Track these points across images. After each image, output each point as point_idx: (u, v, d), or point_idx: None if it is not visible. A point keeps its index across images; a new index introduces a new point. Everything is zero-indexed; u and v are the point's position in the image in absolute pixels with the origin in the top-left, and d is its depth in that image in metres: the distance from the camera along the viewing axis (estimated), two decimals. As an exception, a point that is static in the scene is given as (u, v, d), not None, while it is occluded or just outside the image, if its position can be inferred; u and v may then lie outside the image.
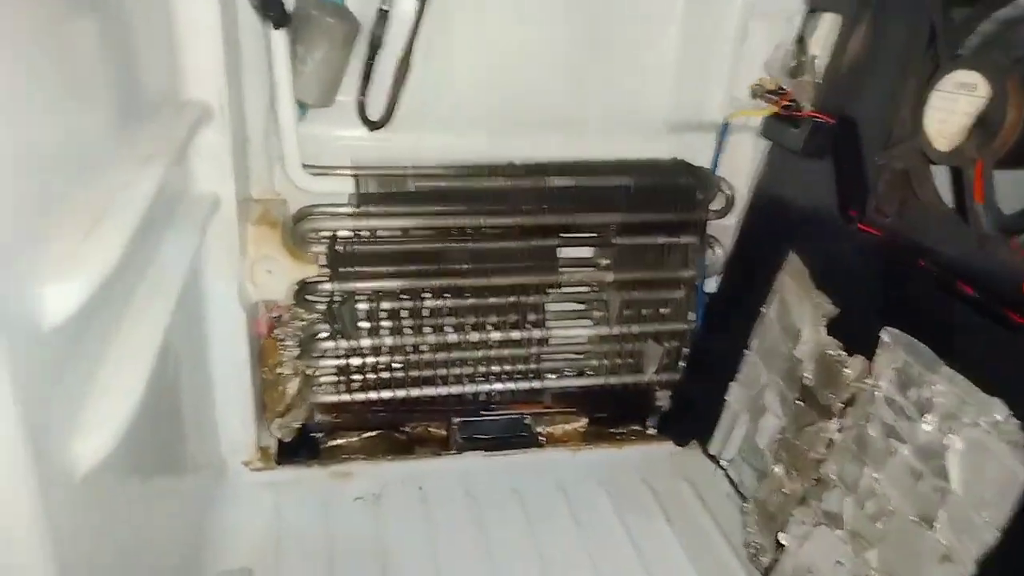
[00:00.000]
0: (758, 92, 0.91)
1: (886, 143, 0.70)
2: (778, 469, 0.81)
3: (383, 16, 0.89)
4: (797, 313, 0.81)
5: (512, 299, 1.02)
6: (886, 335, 0.67)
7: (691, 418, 1.03)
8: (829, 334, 0.76)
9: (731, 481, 0.91)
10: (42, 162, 0.42)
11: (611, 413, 1.16)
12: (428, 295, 1.00)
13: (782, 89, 0.85)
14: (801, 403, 0.78)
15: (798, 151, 0.81)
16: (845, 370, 0.72)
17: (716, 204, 1.03)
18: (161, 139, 0.63)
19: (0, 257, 0.35)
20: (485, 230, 0.98)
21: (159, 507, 0.65)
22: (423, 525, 0.87)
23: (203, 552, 0.78)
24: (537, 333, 1.04)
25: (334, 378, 1.02)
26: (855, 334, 0.73)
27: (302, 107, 0.90)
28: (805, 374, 0.78)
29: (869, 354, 0.70)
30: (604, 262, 1.07)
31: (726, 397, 0.92)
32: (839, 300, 0.75)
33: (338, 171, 0.94)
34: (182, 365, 0.75)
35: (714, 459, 0.95)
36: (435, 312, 1.01)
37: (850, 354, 0.72)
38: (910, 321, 0.66)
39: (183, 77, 0.74)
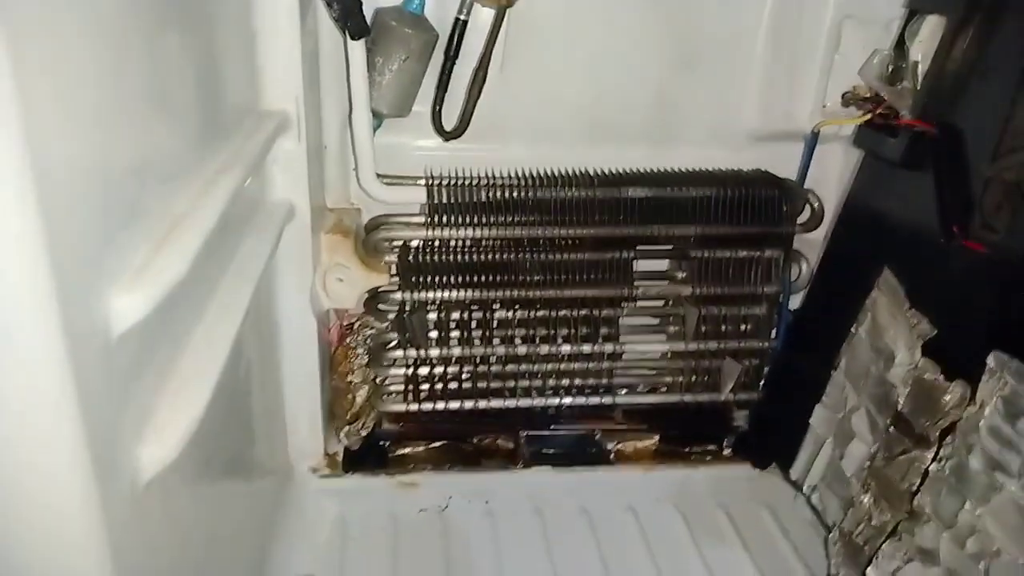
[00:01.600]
0: (851, 100, 0.87)
1: (995, 153, 0.64)
2: (866, 499, 0.75)
3: (461, 26, 0.89)
4: (891, 334, 0.76)
5: (584, 312, 0.99)
6: (992, 360, 0.62)
7: (771, 440, 0.98)
8: (925, 357, 0.70)
9: (814, 509, 0.86)
10: (123, 174, 0.42)
11: (685, 432, 1.11)
12: (498, 306, 0.98)
13: (878, 97, 0.80)
14: (893, 430, 0.73)
15: (896, 162, 0.76)
16: (944, 396, 0.67)
17: (803, 217, 0.98)
18: (239, 150, 0.64)
19: (74, 270, 0.35)
20: (558, 241, 0.96)
21: (225, 512, 0.66)
22: (488, 540, 0.86)
23: (269, 558, 0.79)
24: (609, 347, 1.01)
25: (402, 387, 1.01)
26: (955, 358, 0.67)
27: (378, 117, 0.90)
28: (899, 399, 0.73)
29: (971, 380, 0.64)
30: (681, 275, 1.04)
31: (810, 420, 0.87)
32: (937, 321, 0.70)
33: (411, 181, 0.94)
34: (253, 370, 0.76)
35: (796, 485, 0.90)
36: (504, 323, 0.99)
37: (949, 379, 0.67)
38: (1020, 345, 0.60)
39: (263, 88, 0.75)
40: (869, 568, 0.72)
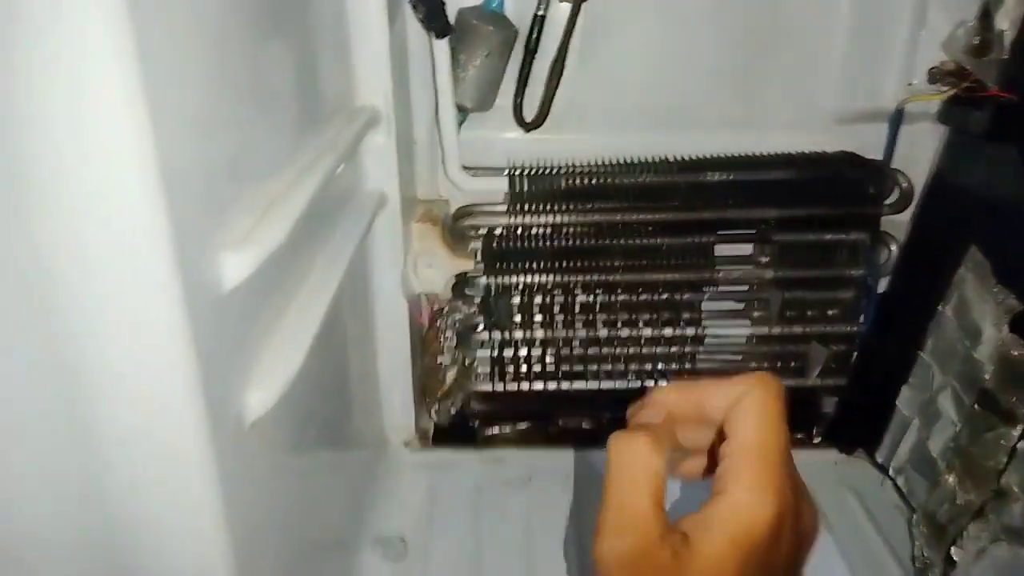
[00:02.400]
0: (938, 76, 0.85)
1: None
2: (951, 479, 0.74)
3: (540, 21, 0.93)
4: (978, 311, 0.74)
5: (665, 296, 1.01)
6: (1079, 332, 0.60)
7: (858, 425, 0.96)
8: (1013, 333, 0.69)
9: (900, 491, 0.85)
10: (231, 160, 0.49)
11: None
12: (579, 291, 1.02)
13: (964, 70, 0.78)
14: (978, 407, 0.71)
15: (981, 134, 0.74)
16: (1030, 371, 0.65)
17: (891, 199, 0.96)
18: (333, 141, 0.70)
19: (191, 232, 0.41)
20: (638, 227, 0.98)
21: (325, 470, 0.72)
22: (568, 510, 0.89)
23: (363, 518, 0.85)
24: (691, 331, 1.02)
25: (489, 368, 1.06)
26: (1043, 332, 0.65)
27: (463, 111, 0.96)
28: (985, 376, 0.71)
29: (1060, 354, 0.63)
30: (764, 259, 1.03)
31: (896, 402, 0.85)
32: (1025, 295, 0.68)
33: (495, 172, 0.98)
34: (350, 345, 0.83)
35: (882, 468, 0.88)
36: (586, 307, 1.02)
37: (1037, 354, 0.65)
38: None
39: (355, 85, 0.82)
40: (953, 548, 0.71)
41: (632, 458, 0.34)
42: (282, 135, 0.60)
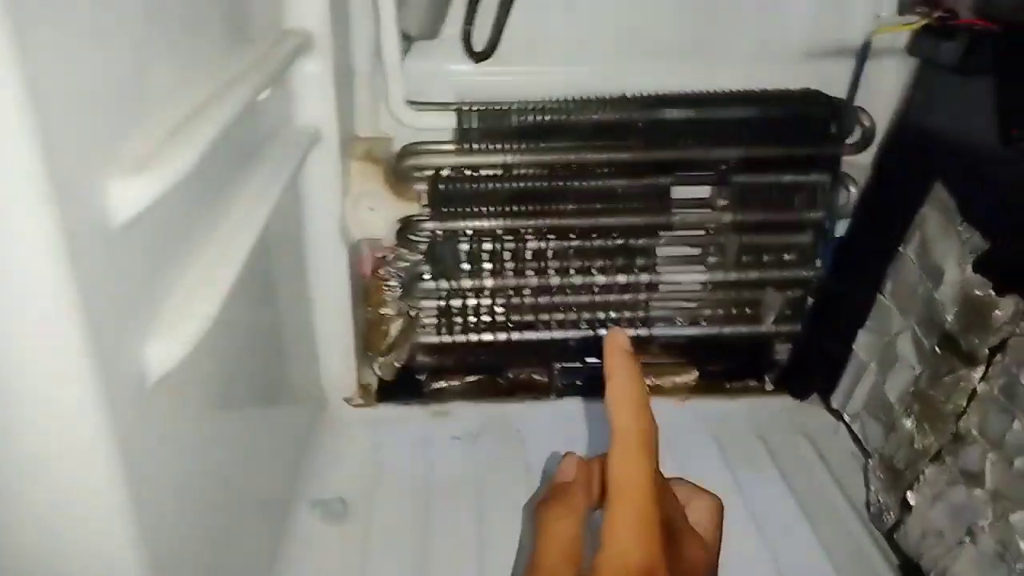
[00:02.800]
0: (907, 5, 0.81)
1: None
2: (908, 422, 0.72)
3: (489, -59, 0.86)
4: (940, 251, 0.71)
5: (620, 241, 0.97)
6: (1049, 270, 0.58)
7: (813, 371, 0.95)
8: (977, 273, 0.66)
9: (855, 437, 0.83)
10: (129, 78, 0.42)
11: (725, 366, 1.09)
12: (531, 236, 0.97)
13: (936, -2, 0.74)
14: (940, 350, 0.69)
15: (953, 66, 0.71)
16: (995, 312, 0.63)
17: (853, 138, 0.93)
18: (256, 63, 0.63)
19: (70, 156, 0.34)
20: (592, 168, 0.93)
21: (252, 432, 0.67)
22: (519, 465, 0.86)
23: (299, 481, 0.80)
24: (645, 278, 0.99)
25: (436, 320, 1.01)
26: (1009, 272, 0.63)
27: (407, 40, 0.88)
28: (947, 318, 0.69)
29: (1026, 294, 0.60)
30: (722, 203, 1.00)
31: (853, 347, 0.83)
32: (991, 234, 0.66)
33: (441, 107, 0.92)
34: (283, 298, 0.76)
35: (837, 413, 0.87)
36: (537, 254, 0.98)
37: (1001, 294, 0.63)
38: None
39: (285, 5, 0.74)
40: (910, 492, 0.70)
41: (556, 528, 0.38)
42: (195, 57, 0.52)
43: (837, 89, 0.93)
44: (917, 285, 0.74)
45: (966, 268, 0.67)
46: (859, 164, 0.94)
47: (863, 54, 0.85)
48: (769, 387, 1.06)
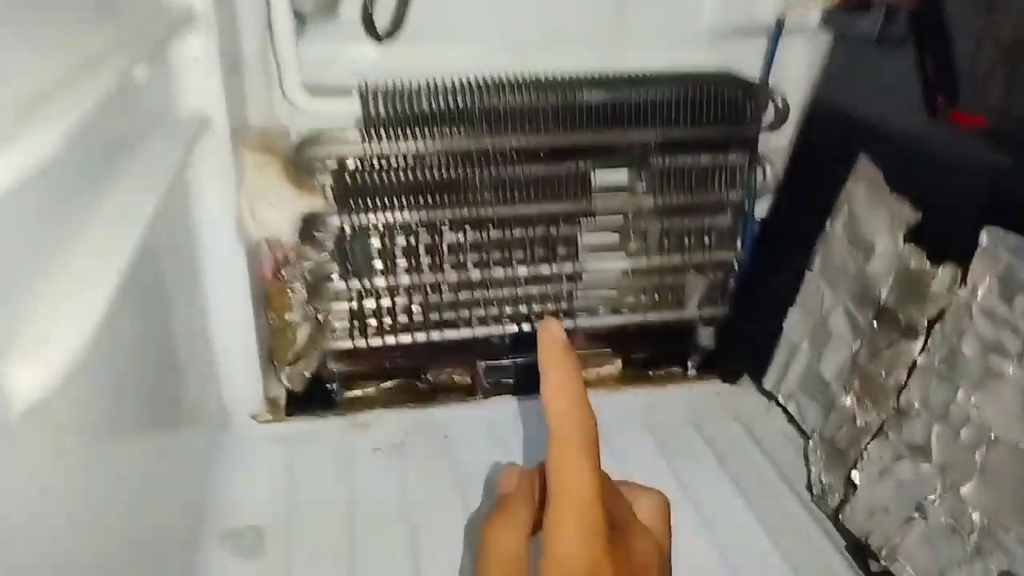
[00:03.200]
0: (814, -19, 0.81)
1: (989, 7, 0.59)
2: (848, 400, 0.71)
3: (387, -90, 0.79)
4: (870, 224, 0.71)
5: (540, 231, 0.92)
6: (985, 236, 0.57)
7: (741, 353, 0.93)
8: (909, 243, 0.66)
9: (790, 418, 0.82)
10: None
11: (649, 353, 1.07)
12: (447, 228, 0.90)
13: (847, -30, 0.74)
14: (877, 324, 0.68)
15: (871, 38, 0.70)
16: (931, 282, 0.62)
17: (766, 118, 0.92)
18: (126, 38, 0.54)
19: None
20: (509, 153, 0.88)
21: (144, 461, 0.58)
22: (450, 476, 0.79)
23: (206, 511, 0.71)
24: (568, 267, 0.95)
25: (347, 322, 0.93)
26: (943, 242, 0.63)
27: (300, 18, 0.80)
28: (881, 291, 0.68)
29: (961, 262, 0.60)
30: (642, 187, 0.97)
31: (783, 326, 0.82)
32: (921, 205, 0.65)
33: (341, 92, 0.84)
34: (173, 307, 0.67)
35: (769, 395, 0.86)
36: (455, 247, 0.92)
37: (936, 264, 0.63)
38: (1017, 221, 0.56)
39: (160, -25, 0.65)
40: (854, 471, 0.69)
41: (496, 544, 0.37)
42: (48, 28, 0.43)
43: (749, 69, 0.92)
44: (847, 260, 0.73)
45: (899, 239, 0.66)
46: (773, 144, 0.94)
47: (777, 33, 0.84)
48: (692, 372, 1.05)
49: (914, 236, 0.66)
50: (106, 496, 0.49)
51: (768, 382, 0.85)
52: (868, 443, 0.68)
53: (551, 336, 0.39)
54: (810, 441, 0.77)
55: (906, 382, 0.64)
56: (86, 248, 0.42)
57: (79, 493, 0.44)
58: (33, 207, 0.38)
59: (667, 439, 0.88)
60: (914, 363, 0.64)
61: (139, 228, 0.47)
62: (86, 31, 0.49)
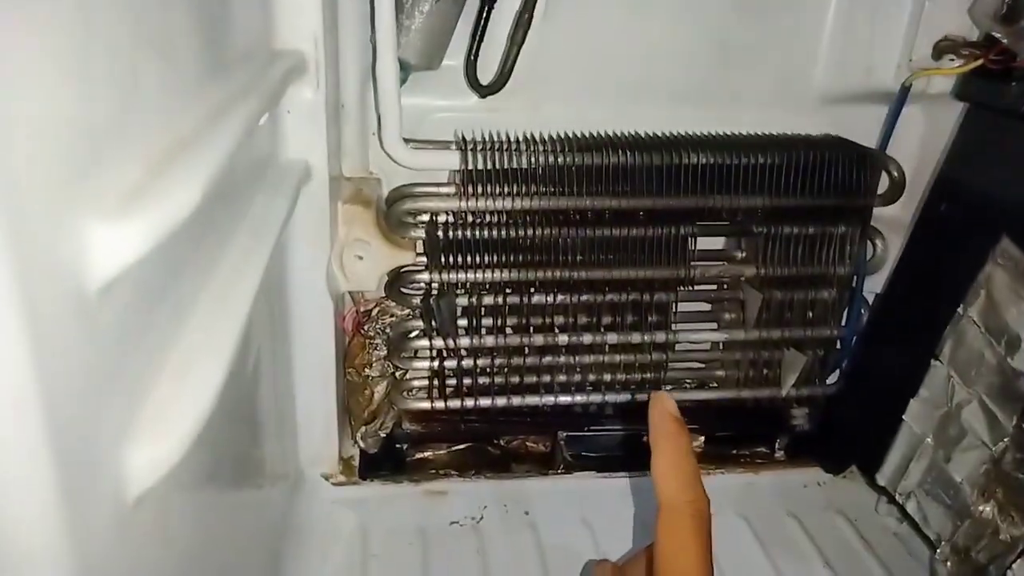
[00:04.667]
0: (946, 49, 0.76)
1: None
2: (988, 508, 0.64)
3: (498, -34, 0.77)
4: (1013, 313, 0.64)
5: (634, 296, 0.88)
6: None
7: (847, 441, 0.86)
8: (1066, 340, 0.59)
9: (910, 519, 0.75)
10: (110, 99, 0.30)
11: (734, 431, 1.00)
12: (535, 290, 0.86)
13: (990, 39, 0.69)
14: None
15: (1016, 111, 0.65)
16: (1101, 386, 0.56)
17: (880, 189, 0.87)
18: (247, 88, 0.52)
19: (32, 192, 0.23)
20: (606, 214, 0.84)
21: (228, 529, 0.54)
22: (534, 557, 0.74)
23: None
24: (661, 336, 0.89)
25: (426, 382, 0.89)
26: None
27: (405, 69, 0.79)
28: (1030, 390, 0.62)
29: None
30: (740, 255, 0.92)
31: (903, 417, 0.75)
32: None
33: (442, 144, 0.81)
34: (264, 357, 0.64)
35: (883, 490, 0.78)
36: (542, 309, 0.87)
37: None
38: None
39: (276, 23, 0.63)
40: (997, 591, 0.61)
41: None
42: (178, 78, 0.41)
43: (861, 136, 0.88)
44: (984, 351, 0.67)
45: (1053, 335, 0.60)
46: (887, 217, 0.88)
47: (901, 100, 0.79)
48: (779, 454, 0.98)
49: (1071, 331, 0.59)
50: (194, 566, 0.45)
51: (883, 476, 0.78)
52: (1014, 561, 0.60)
53: (663, 409, 0.38)
54: (937, 550, 0.69)
55: (1063, 495, 0.57)
56: (204, 311, 0.39)
57: (173, 565, 0.40)
58: (155, 268, 0.35)
59: (764, 528, 0.81)
60: (1075, 475, 0.57)
61: (252, 289, 0.44)
62: (212, 80, 0.47)
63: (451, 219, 0.83)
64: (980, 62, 0.69)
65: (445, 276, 0.83)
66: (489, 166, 0.80)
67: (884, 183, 0.87)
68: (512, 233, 0.83)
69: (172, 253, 0.36)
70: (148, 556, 0.35)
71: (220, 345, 0.38)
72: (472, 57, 0.80)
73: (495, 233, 0.83)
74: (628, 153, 0.82)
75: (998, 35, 0.67)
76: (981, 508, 0.64)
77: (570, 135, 0.83)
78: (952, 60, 0.76)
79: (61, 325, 0.25)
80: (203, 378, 0.35)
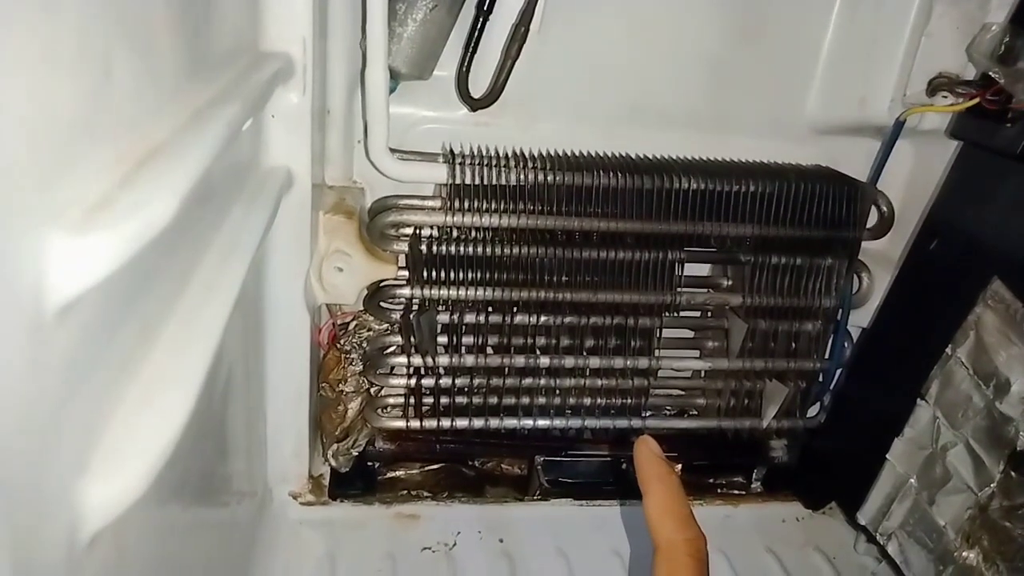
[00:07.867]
0: (940, 86, 0.76)
1: None
2: (972, 555, 0.63)
3: (496, -24, 0.75)
4: (1003, 357, 0.64)
5: (618, 320, 0.86)
6: None
7: (827, 477, 0.85)
8: (1057, 387, 0.59)
9: (888, 560, 0.74)
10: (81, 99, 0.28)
11: (713, 461, 0.99)
12: (518, 309, 0.84)
13: (986, 79, 0.69)
14: (1015, 475, 0.61)
15: (1011, 152, 0.65)
16: (1092, 436, 0.55)
17: (869, 223, 0.86)
18: (230, 90, 0.49)
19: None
20: (594, 236, 0.82)
21: (190, 554, 0.51)
22: (509, 588, 0.71)
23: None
24: (644, 362, 0.88)
25: (402, 400, 0.86)
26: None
27: (395, 78, 0.76)
28: (1019, 435, 0.61)
29: None
30: (726, 283, 0.91)
31: (887, 456, 0.74)
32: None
33: (429, 156, 0.79)
34: (236, 373, 0.61)
35: (864, 530, 0.77)
36: (524, 330, 0.85)
37: (1095, 415, 0.55)
38: None
39: (263, 24, 0.61)
40: (980, 640, 0.60)
41: None
42: (153, 73, 0.38)
43: (851, 168, 0.87)
44: (972, 393, 0.66)
45: (1045, 381, 0.59)
46: (873, 251, 0.88)
47: (894, 135, 0.79)
48: (756, 486, 0.97)
49: (1063, 379, 0.59)
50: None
51: (864, 515, 0.77)
52: (998, 609, 0.59)
53: (649, 452, 0.38)
54: (920, 594, 0.68)
55: (1052, 545, 0.56)
56: (172, 337, 0.36)
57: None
58: (121, 285, 0.32)
59: (742, 565, 0.79)
60: (1063, 525, 0.56)
61: (226, 311, 0.41)
62: (195, 81, 0.44)
63: (435, 234, 0.81)
64: (976, 101, 0.68)
65: (427, 292, 0.80)
66: (477, 181, 0.78)
67: (873, 217, 0.87)
68: (497, 251, 0.81)
69: (141, 269, 0.33)
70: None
71: (189, 371, 0.35)
72: (464, 69, 0.78)
73: (480, 250, 0.81)
74: (618, 175, 0.81)
75: (995, 75, 0.67)
76: (965, 554, 0.63)
77: (560, 154, 0.82)
78: (945, 97, 0.76)
79: (10, 350, 0.22)
80: (169, 406, 0.32)
